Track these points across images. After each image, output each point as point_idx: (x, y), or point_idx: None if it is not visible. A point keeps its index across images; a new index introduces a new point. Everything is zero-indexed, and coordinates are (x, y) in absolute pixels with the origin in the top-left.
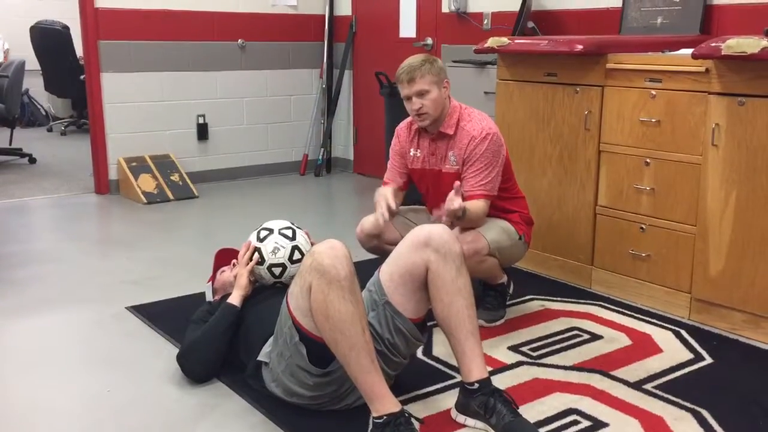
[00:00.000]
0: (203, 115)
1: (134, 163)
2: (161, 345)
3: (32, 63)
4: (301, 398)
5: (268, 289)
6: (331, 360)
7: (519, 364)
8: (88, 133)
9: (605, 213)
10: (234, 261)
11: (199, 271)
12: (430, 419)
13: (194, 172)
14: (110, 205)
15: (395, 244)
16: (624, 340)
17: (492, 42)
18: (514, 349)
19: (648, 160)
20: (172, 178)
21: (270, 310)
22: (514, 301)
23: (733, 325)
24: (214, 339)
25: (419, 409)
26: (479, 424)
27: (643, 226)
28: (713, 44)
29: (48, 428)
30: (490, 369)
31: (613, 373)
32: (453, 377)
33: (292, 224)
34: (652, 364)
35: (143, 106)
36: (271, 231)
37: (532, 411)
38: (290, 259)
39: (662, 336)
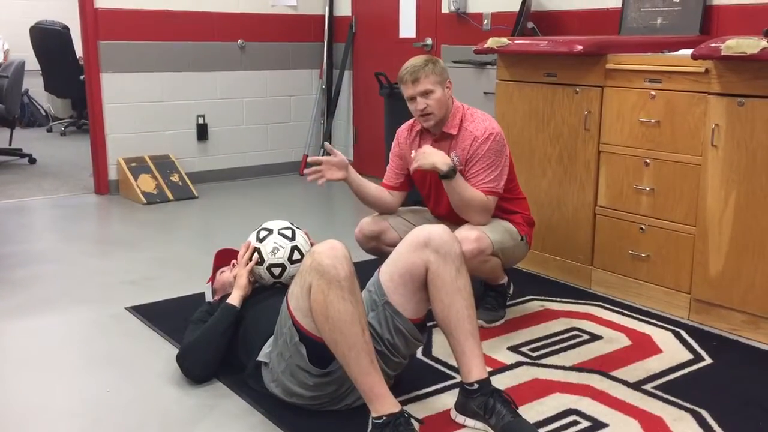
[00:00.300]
0: (203, 116)
1: (134, 164)
2: (160, 345)
3: (32, 63)
4: (300, 398)
5: (268, 290)
6: (331, 360)
7: (519, 364)
8: (87, 134)
9: (605, 213)
10: (233, 261)
11: (198, 272)
12: (429, 419)
13: (194, 172)
14: (110, 206)
15: (394, 245)
16: (623, 341)
17: (492, 42)
18: (514, 349)
19: (648, 161)
20: (171, 178)
21: (270, 310)
22: (513, 301)
23: (732, 325)
24: (213, 339)
25: (419, 409)
26: (479, 424)
27: (643, 227)
28: (713, 45)
29: (47, 428)
30: (489, 369)
31: (612, 373)
32: (452, 377)
33: (292, 224)
34: (652, 365)
35: (143, 106)
36: (270, 231)
37: (531, 411)
38: (290, 259)
39: (662, 336)
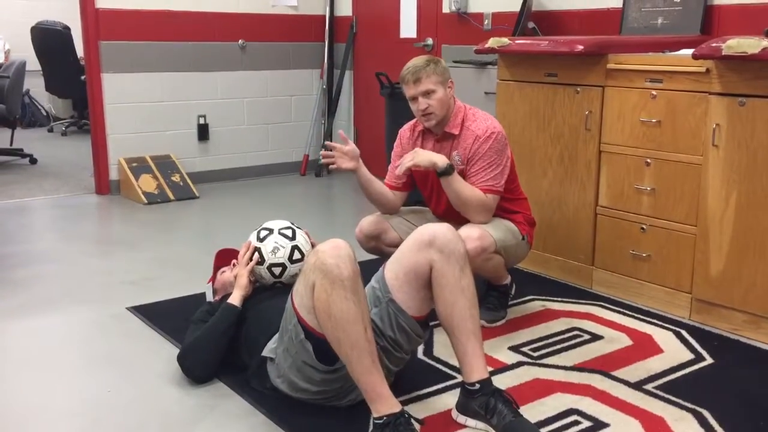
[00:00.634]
0: (204, 116)
1: (135, 164)
2: (161, 345)
3: (33, 63)
4: (306, 393)
5: (269, 290)
6: (337, 357)
7: (520, 364)
8: (88, 134)
9: (606, 213)
10: (234, 261)
11: (199, 272)
12: (430, 419)
13: (195, 172)
14: (111, 206)
15: (395, 245)
16: (625, 341)
17: (492, 42)
18: (515, 349)
19: (648, 161)
20: (172, 178)
21: (272, 309)
22: (515, 301)
23: (733, 325)
24: (214, 339)
25: (420, 409)
26: (480, 424)
27: (644, 227)
28: (714, 44)
29: (48, 428)
30: (491, 369)
31: (613, 373)
32: (454, 377)
33: (292, 224)
34: (653, 365)
35: (144, 106)
36: (271, 231)
37: (532, 411)
38: (290, 258)
39: (663, 336)
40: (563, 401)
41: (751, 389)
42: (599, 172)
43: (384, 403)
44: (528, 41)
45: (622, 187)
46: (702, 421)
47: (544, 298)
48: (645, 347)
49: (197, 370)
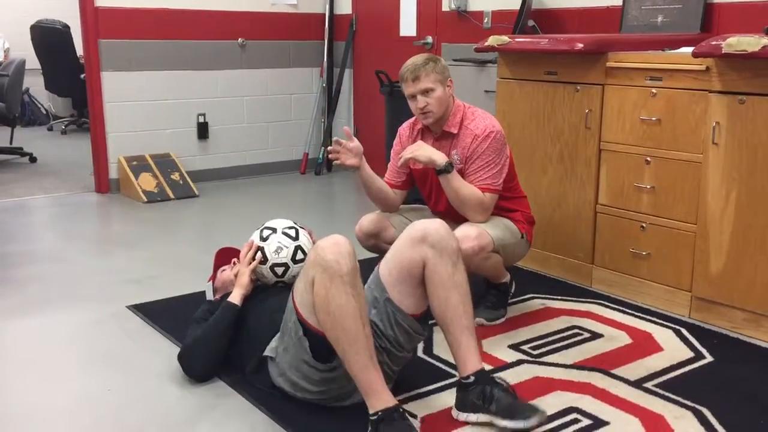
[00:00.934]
0: (203, 114)
1: (135, 162)
2: (161, 344)
3: (33, 62)
4: (307, 393)
5: (270, 288)
6: (335, 355)
7: (519, 362)
8: (88, 132)
9: (606, 211)
10: (234, 260)
11: (199, 270)
12: (430, 417)
13: (194, 171)
14: (110, 204)
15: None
16: (624, 339)
17: (492, 40)
18: (515, 347)
19: (648, 159)
20: (172, 177)
21: (273, 308)
22: (514, 299)
23: (733, 323)
24: (214, 338)
25: (419, 408)
26: (481, 417)
27: (644, 225)
28: (714, 42)
29: (48, 427)
30: (491, 367)
31: (613, 371)
32: (453, 376)
33: (295, 224)
34: (653, 363)
35: (144, 105)
36: (274, 230)
37: None
38: (293, 258)
39: (663, 334)
40: (563, 399)
41: (750, 387)
42: (599, 170)
43: (379, 399)
44: (528, 39)
45: (622, 185)
46: (702, 419)
47: (543, 296)
48: (645, 345)
49: (198, 368)
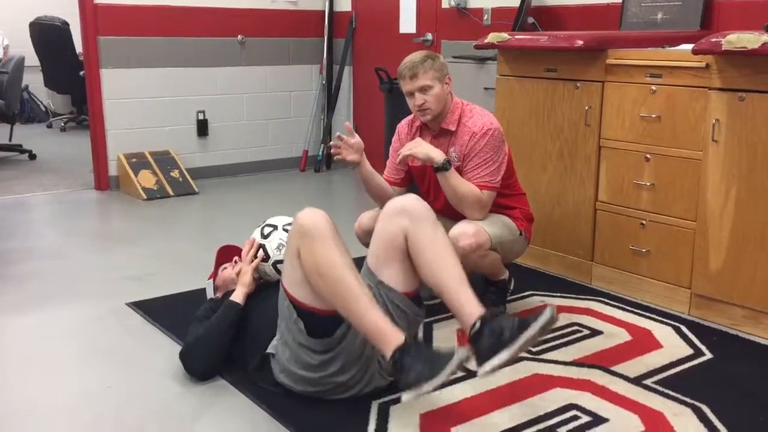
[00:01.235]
0: (203, 111)
1: (134, 159)
2: (161, 341)
3: (32, 59)
4: (309, 383)
5: (273, 287)
6: (329, 333)
7: (519, 359)
8: (87, 130)
9: (605, 209)
10: (236, 258)
11: (199, 268)
12: (430, 415)
13: (194, 168)
14: (110, 201)
15: None
16: (624, 336)
17: (492, 38)
18: None
19: (648, 156)
20: (172, 174)
21: (275, 306)
22: (514, 296)
23: (733, 320)
24: (216, 336)
25: (420, 404)
26: (502, 354)
27: (644, 222)
28: (713, 39)
29: (48, 424)
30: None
31: (613, 368)
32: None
33: None
34: (652, 360)
35: (143, 102)
36: (275, 227)
37: (532, 406)
38: None
39: (662, 331)
40: (563, 396)
41: (750, 384)
42: (599, 167)
43: (389, 341)
44: (528, 36)
45: (621, 182)
46: (701, 416)
47: (543, 293)
48: (644, 342)
49: (199, 367)
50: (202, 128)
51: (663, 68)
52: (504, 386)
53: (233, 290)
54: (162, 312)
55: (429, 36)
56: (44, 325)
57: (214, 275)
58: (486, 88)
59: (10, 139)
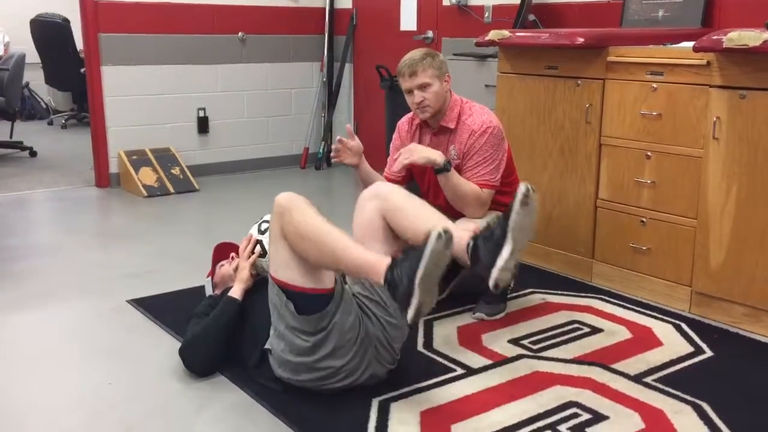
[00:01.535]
0: (204, 109)
1: (135, 157)
2: (162, 338)
3: (32, 56)
4: (305, 369)
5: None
6: (318, 309)
7: (519, 357)
8: (88, 127)
9: (606, 206)
10: (233, 255)
11: (199, 265)
12: (430, 412)
13: (195, 165)
14: (111, 199)
15: None
16: (624, 334)
17: (493, 35)
18: (515, 342)
19: (649, 154)
20: (172, 171)
21: None
22: (514, 294)
23: (733, 318)
24: (215, 333)
25: (420, 402)
26: (505, 248)
27: (644, 220)
28: (714, 37)
29: (49, 421)
30: (491, 362)
31: (613, 366)
32: (453, 370)
33: None
34: (653, 358)
35: (144, 99)
36: None
37: (532, 404)
38: None
39: (663, 329)
40: (563, 394)
41: (750, 382)
42: (599, 165)
43: (379, 267)
44: (528, 34)
45: (622, 180)
46: (701, 414)
47: (543, 291)
48: (645, 340)
49: (199, 363)
50: (203, 125)
51: (664, 66)
52: (504, 384)
53: (231, 287)
54: (162, 309)
55: (430, 33)
56: (44, 322)
57: (212, 273)
58: (487, 86)
59: (10, 137)
